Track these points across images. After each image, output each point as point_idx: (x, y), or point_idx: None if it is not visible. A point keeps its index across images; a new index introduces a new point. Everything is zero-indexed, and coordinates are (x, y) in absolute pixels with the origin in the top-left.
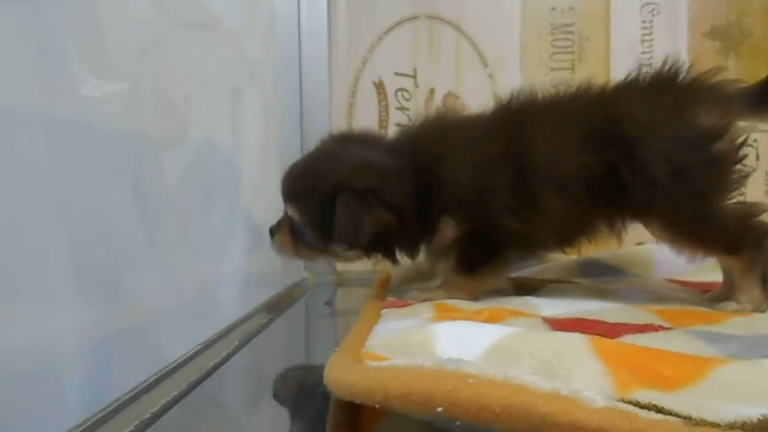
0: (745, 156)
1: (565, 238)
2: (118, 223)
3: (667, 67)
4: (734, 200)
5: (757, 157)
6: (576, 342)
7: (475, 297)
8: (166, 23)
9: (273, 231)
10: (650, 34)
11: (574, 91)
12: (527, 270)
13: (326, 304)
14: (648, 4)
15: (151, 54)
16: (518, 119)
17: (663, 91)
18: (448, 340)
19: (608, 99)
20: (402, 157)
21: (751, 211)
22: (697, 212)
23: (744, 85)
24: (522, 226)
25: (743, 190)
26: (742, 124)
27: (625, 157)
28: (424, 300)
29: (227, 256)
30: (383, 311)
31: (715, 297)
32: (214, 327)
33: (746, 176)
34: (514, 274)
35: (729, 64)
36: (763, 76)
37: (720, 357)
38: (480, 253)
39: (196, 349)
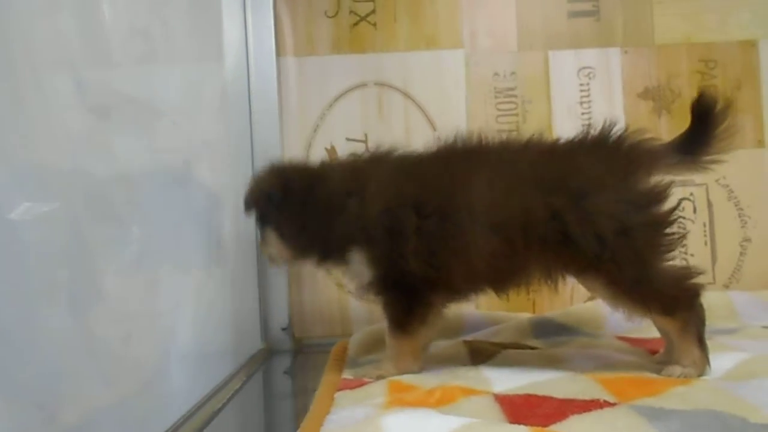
0: (678, 218)
1: (495, 281)
2: (51, 337)
3: (608, 130)
4: (672, 258)
5: (695, 210)
6: None
7: (418, 358)
8: (99, 127)
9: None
10: (588, 96)
11: (524, 140)
12: (482, 332)
13: (285, 373)
14: (584, 68)
15: (85, 164)
16: (458, 160)
17: (610, 152)
18: None
19: (560, 152)
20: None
21: (686, 272)
22: (637, 272)
23: (666, 142)
24: (430, 272)
25: (684, 241)
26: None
27: (571, 209)
28: (378, 377)
29: (176, 346)
30: (337, 395)
31: (661, 359)
32: (159, 428)
33: (682, 238)
34: (469, 338)
35: (662, 122)
36: None
37: None
38: (403, 305)
39: None
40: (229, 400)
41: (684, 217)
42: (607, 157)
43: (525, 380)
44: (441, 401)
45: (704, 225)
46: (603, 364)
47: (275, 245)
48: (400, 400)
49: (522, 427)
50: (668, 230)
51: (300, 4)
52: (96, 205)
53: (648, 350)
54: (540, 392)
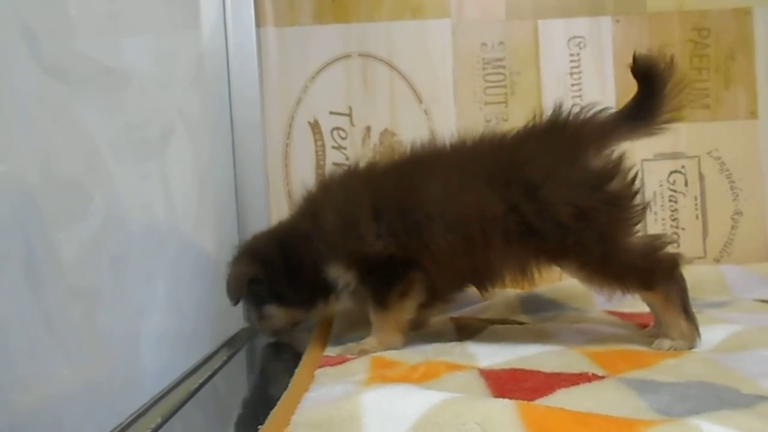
0: (638, 190)
1: (460, 282)
2: (4, 313)
3: (555, 113)
4: (644, 235)
5: (686, 183)
6: (503, 411)
7: (402, 332)
8: (59, 90)
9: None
10: (578, 66)
11: (477, 137)
12: (470, 308)
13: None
14: (574, 37)
15: (41, 128)
16: (410, 163)
17: (557, 137)
18: (376, 413)
19: (509, 145)
20: (280, 227)
21: (656, 244)
22: (605, 252)
23: (616, 110)
24: (396, 251)
25: (676, 215)
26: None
27: (529, 200)
28: (360, 351)
29: (146, 326)
30: (317, 371)
31: (651, 333)
32: (130, 407)
33: (644, 210)
34: (456, 314)
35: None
36: (684, 103)
37: (646, 419)
38: (381, 283)
39: None
40: (207, 380)
41: (675, 191)
42: (555, 142)
43: (511, 355)
44: (424, 377)
45: (695, 198)
46: (592, 338)
47: (279, 315)
48: (382, 376)
49: (506, 400)
50: (628, 204)
51: None
52: (51, 171)
53: (638, 324)
54: (527, 367)
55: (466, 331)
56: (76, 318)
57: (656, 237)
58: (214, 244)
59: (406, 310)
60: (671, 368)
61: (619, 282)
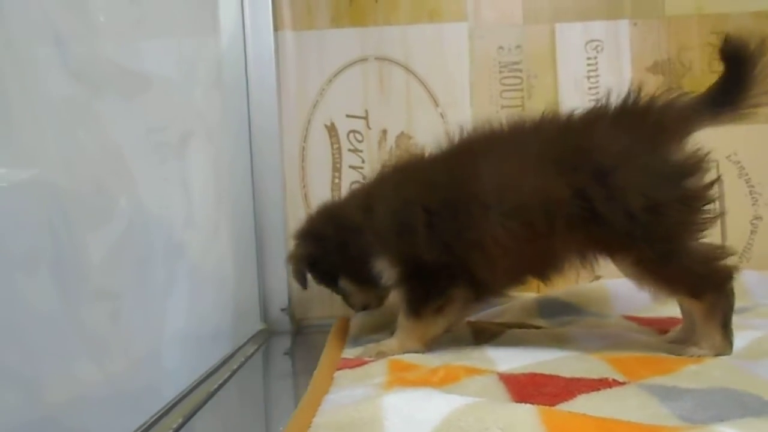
0: (716, 197)
1: (516, 273)
2: (33, 313)
3: (632, 98)
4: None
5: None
6: (526, 417)
7: (425, 344)
8: (84, 94)
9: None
10: (596, 70)
11: (537, 119)
12: (486, 312)
13: (285, 354)
14: (592, 41)
15: (68, 131)
16: (464, 150)
17: (636, 121)
18: (397, 416)
19: (578, 126)
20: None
21: (717, 253)
22: (667, 251)
23: (698, 93)
24: (447, 260)
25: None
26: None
27: (596, 187)
28: (378, 353)
29: (169, 325)
30: (336, 374)
31: (674, 338)
32: (153, 407)
33: (715, 218)
34: (473, 318)
35: None
36: None
37: (669, 426)
38: (421, 292)
39: None
40: (226, 380)
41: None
42: (634, 127)
43: (530, 359)
44: (444, 381)
45: (714, 202)
46: (611, 343)
47: (354, 291)
48: (402, 379)
49: (528, 405)
50: (702, 206)
51: None
52: (79, 174)
53: (657, 329)
54: (546, 371)
55: (483, 335)
56: (103, 319)
57: (718, 246)
58: (232, 247)
59: (438, 325)
60: (693, 375)
61: (671, 285)
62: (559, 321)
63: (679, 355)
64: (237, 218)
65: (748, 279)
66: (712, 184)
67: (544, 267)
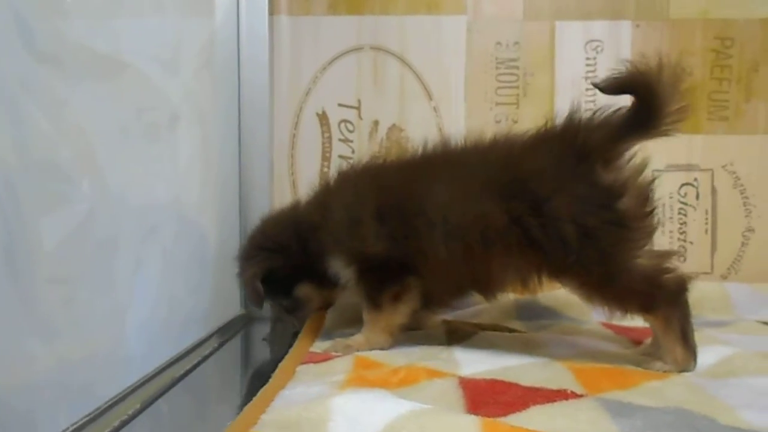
0: (652, 210)
1: (459, 289)
2: None
3: (572, 119)
4: (651, 251)
5: (698, 196)
6: (468, 428)
7: (392, 334)
8: (47, 75)
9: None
10: (594, 70)
11: (487, 142)
12: (465, 311)
13: (263, 339)
14: (592, 41)
15: (24, 113)
16: (419, 165)
17: (566, 147)
18: (342, 418)
19: (518, 154)
20: (294, 213)
21: (661, 267)
22: (605, 273)
23: (622, 111)
24: (395, 254)
25: (684, 228)
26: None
27: (533, 214)
28: (345, 348)
29: (133, 311)
30: (299, 368)
31: (645, 351)
32: (109, 393)
33: (653, 231)
34: (449, 317)
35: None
36: (702, 115)
37: None
38: (376, 283)
39: (82, 422)
40: (194, 366)
41: (686, 203)
42: (564, 154)
43: (495, 364)
44: (403, 382)
45: (706, 212)
46: (581, 351)
47: (313, 294)
48: (361, 378)
49: (472, 417)
50: (637, 225)
51: None
52: (33, 158)
53: (632, 340)
54: (507, 378)
55: (456, 335)
56: (55, 303)
57: (663, 257)
58: (216, 230)
59: (399, 313)
60: (652, 391)
61: (619, 304)
62: (536, 324)
63: (646, 369)
64: (222, 202)
65: (736, 292)
66: (646, 200)
67: (483, 285)
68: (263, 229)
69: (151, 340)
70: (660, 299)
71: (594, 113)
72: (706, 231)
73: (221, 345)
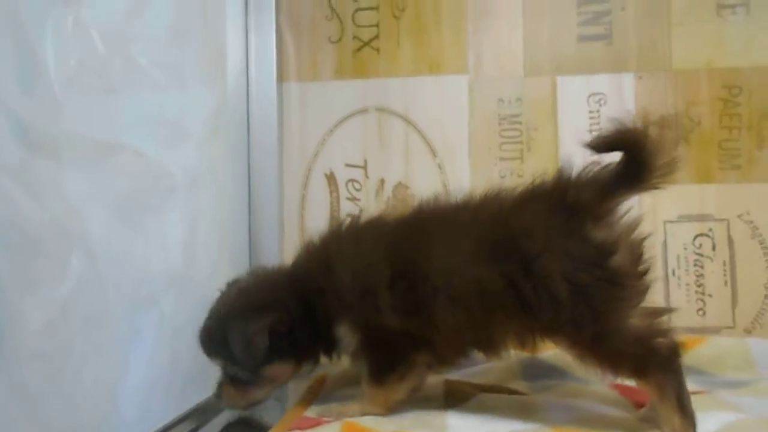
0: (647, 268)
1: (464, 349)
2: None
3: (561, 174)
4: (644, 308)
5: (714, 247)
6: None
7: (387, 409)
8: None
9: (217, 394)
10: (598, 123)
11: (479, 199)
12: (469, 370)
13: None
14: (594, 94)
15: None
16: (418, 227)
17: (555, 205)
18: None
19: (507, 211)
20: (293, 272)
21: (656, 328)
22: (597, 333)
23: (611, 167)
24: (409, 327)
25: (702, 280)
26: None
27: (524, 274)
28: (338, 414)
29: (128, 378)
30: None
31: (645, 416)
32: None
33: (647, 289)
34: (454, 376)
35: (679, 154)
36: (713, 164)
37: None
38: (384, 360)
39: None
40: (197, 428)
41: (701, 255)
42: (553, 211)
43: (484, 431)
44: None
45: (724, 263)
46: (578, 416)
47: (285, 372)
48: None
49: None
50: (631, 283)
51: (304, 30)
52: (17, 239)
53: (636, 402)
54: None
55: (454, 397)
56: (39, 377)
57: (655, 315)
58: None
59: (401, 391)
60: None
61: (611, 365)
62: (540, 384)
63: None
64: (231, 262)
65: (756, 348)
66: (639, 257)
67: (488, 347)
68: (260, 288)
69: (148, 403)
70: (652, 365)
71: (582, 170)
72: (726, 283)
73: (223, 408)
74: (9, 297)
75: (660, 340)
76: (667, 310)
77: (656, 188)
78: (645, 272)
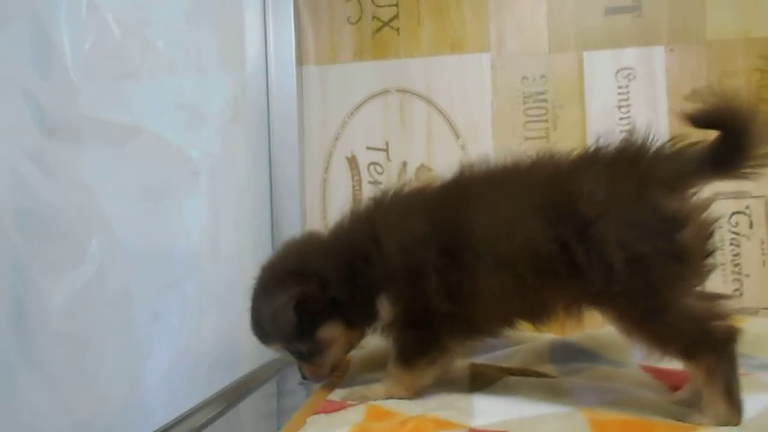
0: (712, 250)
1: (509, 319)
2: None
3: (634, 140)
4: (702, 293)
5: (751, 225)
6: None
7: (412, 392)
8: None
9: (302, 375)
10: (627, 99)
11: (530, 162)
12: (495, 354)
13: (300, 383)
14: (623, 69)
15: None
16: (461, 193)
17: (624, 169)
18: None
19: (565, 173)
20: (336, 237)
21: (713, 311)
22: (652, 307)
23: (701, 145)
24: (453, 309)
25: (738, 260)
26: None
27: (578, 237)
28: (362, 398)
29: (152, 362)
30: (311, 418)
31: (682, 399)
32: None
33: (709, 272)
34: (480, 359)
35: None
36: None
37: None
38: (417, 341)
39: None
40: (221, 412)
41: (738, 233)
42: (620, 175)
43: (511, 414)
44: None
45: (762, 242)
46: (609, 400)
47: (341, 337)
48: (366, 430)
49: None
50: (695, 262)
51: (323, 12)
52: (38, 222)
53: (671, 386)
54: (519, 430)
55: (480, 381)
56: (62, 361)
57: (715, 301)
58: (249, 275)
59: (429, 375)
60: None
61: (660, 344)
62: (569, 368)
63: (680, 421)
64: (255, 247)
65: None
66: (708, 236)
67: (535, 316)
68: (297, 253)
69: (173, 388)
70: (706, 346)
71: (666, 142)
72: (764, 263)
73: (248, 392)
74: (29, 279)
75: (717, 323)
76: (725, 296)
77: (745, 178)
78: (710, 253)
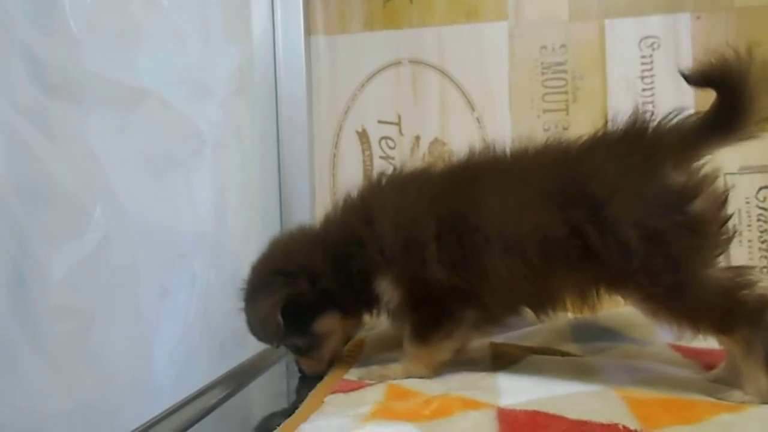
0: (727, 216)
1: (516, 306)
2: None
3: (636, 119)
4: (725, 267)
5: None
6: None
7: (432, 369)
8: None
9: (299, 369)
10: (651, 69)
11: (539, 146)
12: (516, 333)
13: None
14: (647, 37)
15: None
16: (468, 175)
17: (630, 147)
18: None
19: (574, 156)
20: (325, 227)
21: (742, 280)
22: (675, 283)
23: (701, 114)
24: (457, 281)
25: (765, 237)
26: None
27: (591, 220)
28: (380, 377)
29: (159, 339)
30: (329, 397)
31: (718, 377)
32: (130, 425)
33: (729, 240)
34: (499, 339)
35: None
36: None
37: None
38: (429, 316)
39: None
40: (231, 393)
41: (765, 208)
42: (627, 153)
43: (541, 393)
44: (435, 413)
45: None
46: (641, 378)
47: (336, 328)
48: (388, 410)
49: None
50: (712, 230)
51: None
52: (38, 187)
53: (703, 364)
54: (551, 410)
55: (502, 360)
56: (65, 335)
57: (742, 271)
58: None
59: (446, 350)
60: (723, 427)
61: (690, 320)
62: (593, 347)
63: (720, 399)
64: (263, 224)
65: None
66: (722, 203)
67: (541, 303)
68: (282, 251)
69: (182, 367)
70: (739, 318)
71: (667, 115)
72: None
73: (260, 372)
74: (30, 246)
75: (746, 292)
76: (749, 268)
77: (750, 137)
78: (726, 221)
